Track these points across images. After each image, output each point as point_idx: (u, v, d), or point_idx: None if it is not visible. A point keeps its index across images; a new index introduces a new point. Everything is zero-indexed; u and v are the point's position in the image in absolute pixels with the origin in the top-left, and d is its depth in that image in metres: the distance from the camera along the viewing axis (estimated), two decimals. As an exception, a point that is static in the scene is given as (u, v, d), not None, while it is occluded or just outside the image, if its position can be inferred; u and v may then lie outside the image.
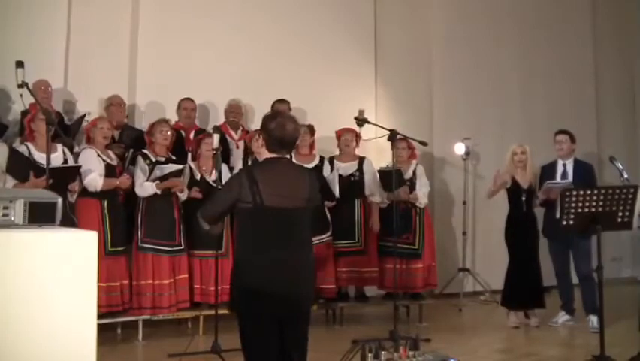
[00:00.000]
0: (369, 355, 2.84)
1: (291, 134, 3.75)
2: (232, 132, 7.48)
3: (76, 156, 6.32)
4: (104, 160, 6.30)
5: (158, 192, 6.38)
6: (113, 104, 7.03)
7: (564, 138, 7.15)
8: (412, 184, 7.40)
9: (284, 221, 3.65)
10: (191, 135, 7.20)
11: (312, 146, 7.36)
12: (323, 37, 8.57)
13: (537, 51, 9.78)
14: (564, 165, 7.13)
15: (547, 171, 7.13)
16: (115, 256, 6.28)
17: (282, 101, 7.60)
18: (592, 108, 10.24)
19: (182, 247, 6.57)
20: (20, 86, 5.31)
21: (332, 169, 7.28)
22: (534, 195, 7.07)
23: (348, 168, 7.40)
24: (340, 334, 6.83)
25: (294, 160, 6.92)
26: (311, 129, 7.37)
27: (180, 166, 6.51)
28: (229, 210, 3.85)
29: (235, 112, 7.57)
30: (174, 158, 6.66)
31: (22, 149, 5.91)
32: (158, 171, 6.36)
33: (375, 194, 7.39)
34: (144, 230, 6.41)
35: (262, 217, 3.63)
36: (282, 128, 3.72)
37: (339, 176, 7.19)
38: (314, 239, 6.61)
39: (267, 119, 3.83)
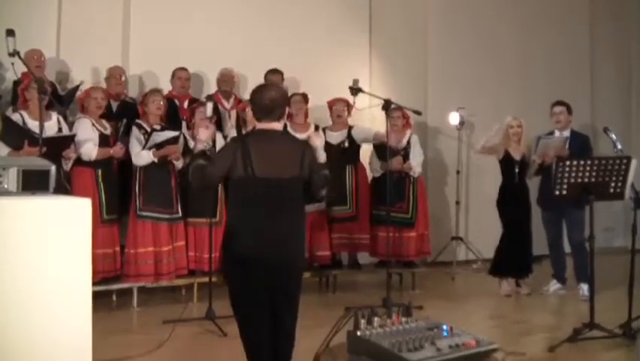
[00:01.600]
0: (362, 321, 2.86)
1: (272, 101, 3.79)
2: (224, 102, 7.46)
3: (70, 125, 6.32)
4: (98, 130, 6.31)
5: (155, 160, 6.38)
6: (113, 75, 7.01)
7: (561, 110, 7.14)
8: (406, 154, 7.41)
9: (274, 191, 3.71)
10: (185, 104, 7.18)
11: (306, 115, 7.35)
12: (317, 6, 8.51)
13: (534, 21, 9.72)
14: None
15: None
16: (110, 224, 6.36)
17: (274, 71, 7.59)
18: (586, 79, 10.22)
19: (180, 214, 6.63)
20: (11, 55, 5.28)
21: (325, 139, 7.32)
22: (527, 167, 7.09)
23: (338, 136, 7.42)
24: (333, 301, 6.90)
25: (289, 129, 6.97)
26: (305, 98, 7.36)
27: (177, 133, 6.51)
28: (223, 177, 3.87)
29: (227, 81, 7.55)
30: (168, 127, 6.65)
31: (16, 117, 5.89)
32: (156, 137, 6.36)
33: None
34: (143, 199, 6.43)
35: (253, 187, 3.71)
36: (263, 96, 3.81)
37: (330, 145, 7.23)
38: (307, 207, 6.73)
39: (253, 90, 3.94)
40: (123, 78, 7.14)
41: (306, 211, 4.40)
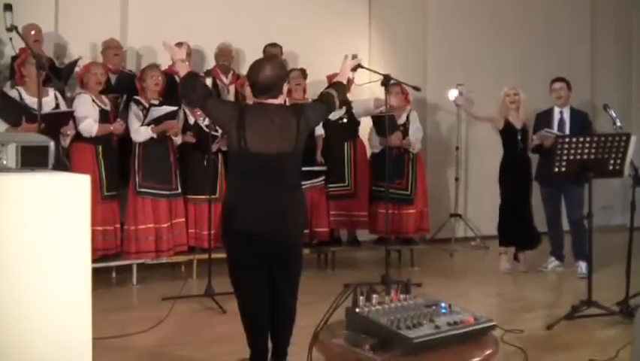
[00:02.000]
0: (361, 298, 2.87)
1: (264, 78, 3.74)
2: (222, 77, 7.43)
3: (69, 100, 6.31)
4: (98, 105, 6.28)
5: (154, 136, 6.37)
6: (109, 47, 6.96)
7: (562, 86, 7.10)
8: (405, 130, 7.39)
9: (268, 165, 3.71)
10: (185, 80, 7.14)
11: (304, 90, 7.31)
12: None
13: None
14: (561, 113, 7.10)
15: (544, 119, 7.07)
16: (110, 201, 6.37)
17: (273, 45, 7.55)
18: (587, 56, 10.17)
19: (179, 191, 6.63)
20: (9, 30, 5.23)
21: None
22: (528, 137, 7.07)
23: (336, 112, 7.38)
24: (332, 278, 6.92)
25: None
26: (303, 73, 7.32)
27: (175, 108, 6.49)
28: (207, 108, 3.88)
29: (225, 56, 7.50)
30: (166, 102, 6.63)
31: (13, 93, 5.87)
32: (154, 112, 6.33)
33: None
34: (142, 175, 6.43)
35: (247, 161, 3.71)
36: (257, 73, 3.76)
37: (328, 120, 7.21)
38: (306, 183, 6.74)
39: (250, 67, 3.87)
40: (121, 50, 7.07)
41: (303, 187, 4.40)
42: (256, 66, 3.81)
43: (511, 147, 7.09)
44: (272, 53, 7.38)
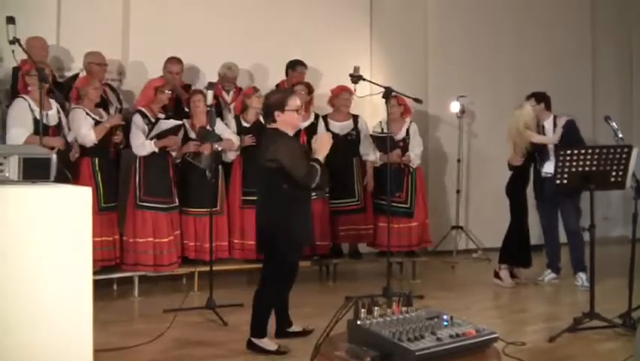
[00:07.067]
0: (363, 310, 2.87)
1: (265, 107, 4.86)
2: (224, 94, 7.41)
3: (66, 114, 6.30)
4: (93, 118, 6.26)
5: (157, 150, 6.37)
6: (95, 63, 6.92)
7: (531, 104, 7.06)
8: (405, 145, 7.35)
9: (258, 175, 4.95)
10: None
11: (308, 103, 7.28)
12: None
13: (535, 8, 9.69)
14: (542, 127, 7.07)
15: None
16: (108, 212, 6.36)
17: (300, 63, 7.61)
18: (588, 68, 10.20)
19: (177, 204, 6.63)
20: (12, 42, 5.25)
21: (326, 127, 7.29)
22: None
23: (344, 126, 7.40)
24: (334, 290, 6.91)
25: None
26: (308, 87, 7.32)
27: (180, 122, 6.52)
28: None
29: (229, 82, 7.45)
30: (171, 114, 6.66)
31: (22, 103, 5.83)
32: (163, 125, 6.36)
33: (370, 153, 7.40)
34: (144, 189, 6.42)
35: None
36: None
37: (336, 135, 7.21)
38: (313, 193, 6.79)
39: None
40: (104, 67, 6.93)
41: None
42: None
43: (529, 163, 7.06)
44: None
